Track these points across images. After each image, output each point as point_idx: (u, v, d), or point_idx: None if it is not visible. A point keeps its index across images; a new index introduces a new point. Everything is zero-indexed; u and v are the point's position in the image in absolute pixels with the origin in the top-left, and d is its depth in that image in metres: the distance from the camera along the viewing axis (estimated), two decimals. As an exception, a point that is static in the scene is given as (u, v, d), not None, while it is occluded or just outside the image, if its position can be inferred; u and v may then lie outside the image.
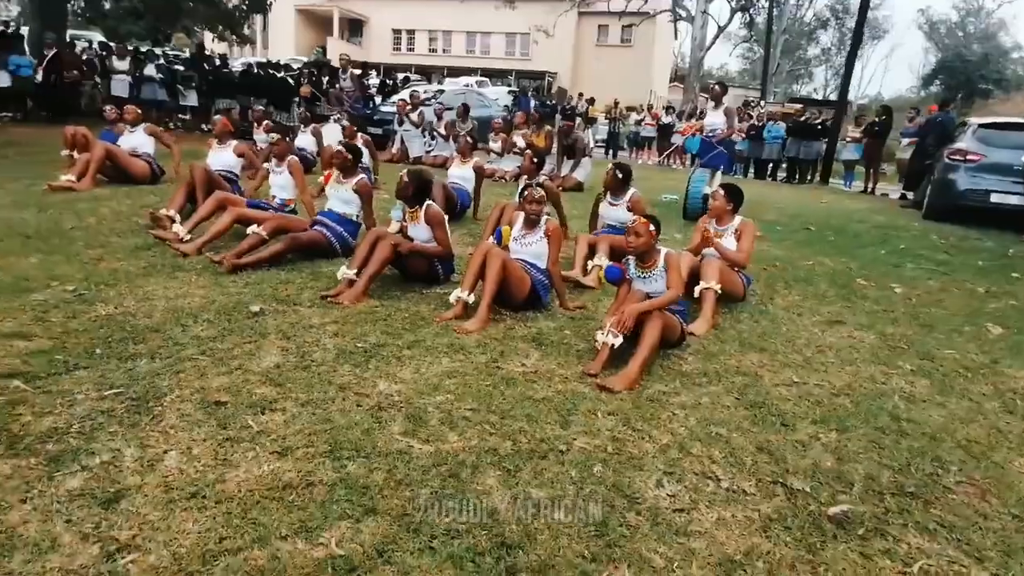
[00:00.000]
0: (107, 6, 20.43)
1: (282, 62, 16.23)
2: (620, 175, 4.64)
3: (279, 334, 3.10)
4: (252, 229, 4.26)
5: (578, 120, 16.23)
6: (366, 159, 7.05)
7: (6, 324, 2.94)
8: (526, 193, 3.84)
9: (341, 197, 4.48)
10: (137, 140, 6.38)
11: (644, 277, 3.41)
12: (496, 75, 35.61)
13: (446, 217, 4.08)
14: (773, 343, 3.61)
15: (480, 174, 6.33)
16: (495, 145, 9.11)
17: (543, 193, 3.84)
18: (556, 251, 3.82)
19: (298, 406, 2.47)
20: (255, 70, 13.75)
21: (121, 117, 6.62)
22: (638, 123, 16.28)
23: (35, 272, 3.64)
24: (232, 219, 4.35)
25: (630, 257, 3.45)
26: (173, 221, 4.60)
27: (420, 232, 4.05)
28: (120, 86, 11.55)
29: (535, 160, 5.50)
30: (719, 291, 3.93)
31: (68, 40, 13.17)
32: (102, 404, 2.35)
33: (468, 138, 6.43)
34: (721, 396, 2.92)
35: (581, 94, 18.36)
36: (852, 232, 7.04)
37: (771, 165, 13.62)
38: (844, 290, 4.71)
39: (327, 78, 12.77)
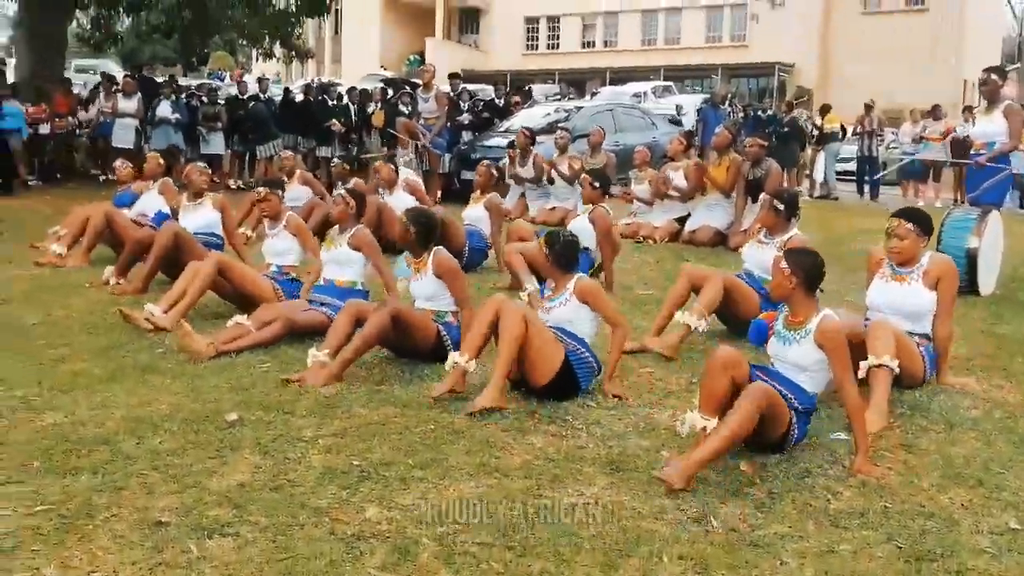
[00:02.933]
0: (123, 26, 24.49)
1: (336, 84, 18.48)
2: (780, 207, 5.57)
3: (256, 448, 3.94)
4: (237, 319, 5.31)
5: (808, 144, 16.77)
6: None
7: (-59, 434, 4.05)
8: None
9: (337, 259, 5.47)
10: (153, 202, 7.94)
11: (789, 336, 3.93)
12: (691, 75, 37.15)
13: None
14: (1002, 475, 3.85)
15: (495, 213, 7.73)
16: (640, 188, 9.89)
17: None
18: (606, 308, 4.71)
19: (256, 531, 3.22)
20: (303, 97, 15.92)
21: (139, 173, 8.33)
22: (919, 140, 16.43)
23: (-19, 376, 4.86)
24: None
25: (784, 307, 4.01)
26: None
27: (425, 287, 4.99)
28: (124, 133, 14.01)
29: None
30: (896, 370, 4.32)
31: (62, 76, 16.20)
32: (29, 521, 3.26)
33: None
34: (874, 544, 3.26)
35: (801, 98, 18.86)
36: None
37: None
38: None
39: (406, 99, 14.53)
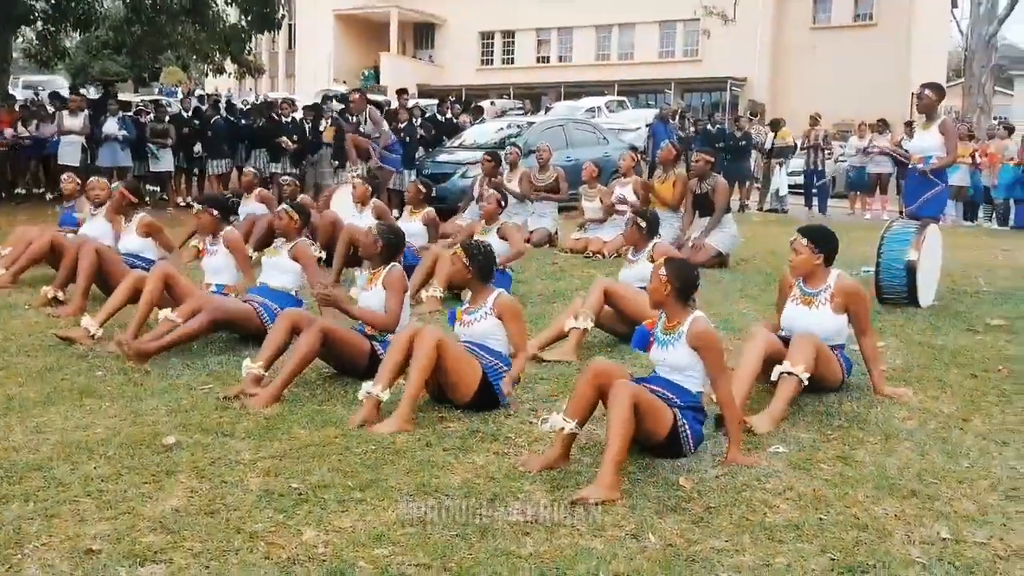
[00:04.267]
0: (72, 42, 24.23)
1: (289, 99, 18.40)
2: (643, 224, 6.21)
3: (192, 472, 3.90)
4: (165, 314, 5.32)
5: (754, 154, 17.01)
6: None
7: None
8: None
9: (275, 265, 5.59)
10: (100, 228, 7.81)
11: (665, 340, 4.18)
12: (644, 89, 37.51)
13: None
14: (935, 485, 3.92)
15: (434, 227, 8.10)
16: (589, 204, 9.97)
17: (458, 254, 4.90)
18: (515, 331, 4.83)
19: (189, 557, 3.18)
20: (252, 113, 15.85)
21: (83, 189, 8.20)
22: (864, 152, 16.71)
23: (-87, 402, 4.77)
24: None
25: (662, 313, 4.24)
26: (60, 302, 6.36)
27: (372, 299, 5.09)
28: (70, 151, 13.82)
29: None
30: (805, 382, 4.62)
31: (6, 93, 15.98)
32: (-45, 552, 3.21)
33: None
34: (809, 556, 3.30)
35: (755, 112, 19.15)
36: None
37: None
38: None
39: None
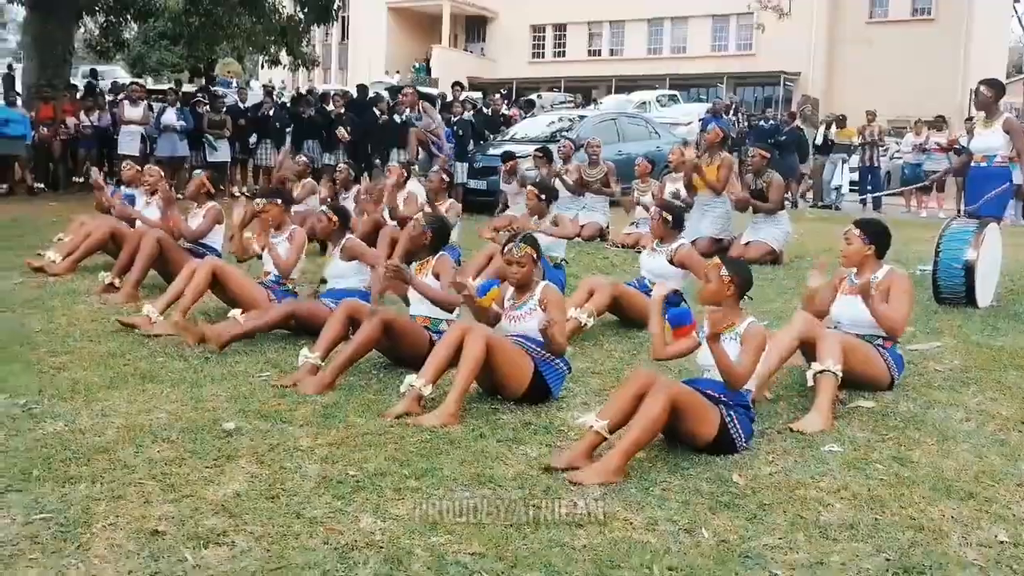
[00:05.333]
0: (129, 34, 24.65)
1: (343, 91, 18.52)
2: (668, 218, 6.34)
3: (252, 457, 3.99)
4: (233, 315, 5.42)
5: (811, 154, 16.81)
6: (456, 234, 8.27)
7: (-58, 442, 4.11)
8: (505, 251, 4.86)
9: (335, 273, 5.67)
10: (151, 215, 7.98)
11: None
12: (696, 84, 37.22)
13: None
14: (993, 488, 3.88)
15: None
16: (645, 199, 9.94)
17: (527, 252, 4.83)
18: (555, 319, 4.73)
19: (251, 540, 3.26)
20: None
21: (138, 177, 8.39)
22: (921, 148, 16.47)
23: (-16, 384, 4.92)
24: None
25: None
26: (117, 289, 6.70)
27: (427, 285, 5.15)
28: (129, 141, 14.08)
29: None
30: (838, 374, 4.59)
31: (68, 83, 16.31)
32: (28, 529, 3.31)
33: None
34: (863, 556, 3.29)
35: (805, 106, 18.91)
36: None
37: None
38: None
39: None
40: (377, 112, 14.09)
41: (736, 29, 39.02)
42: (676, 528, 3.47)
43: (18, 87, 16.13)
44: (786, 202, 10.39)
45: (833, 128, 17.31)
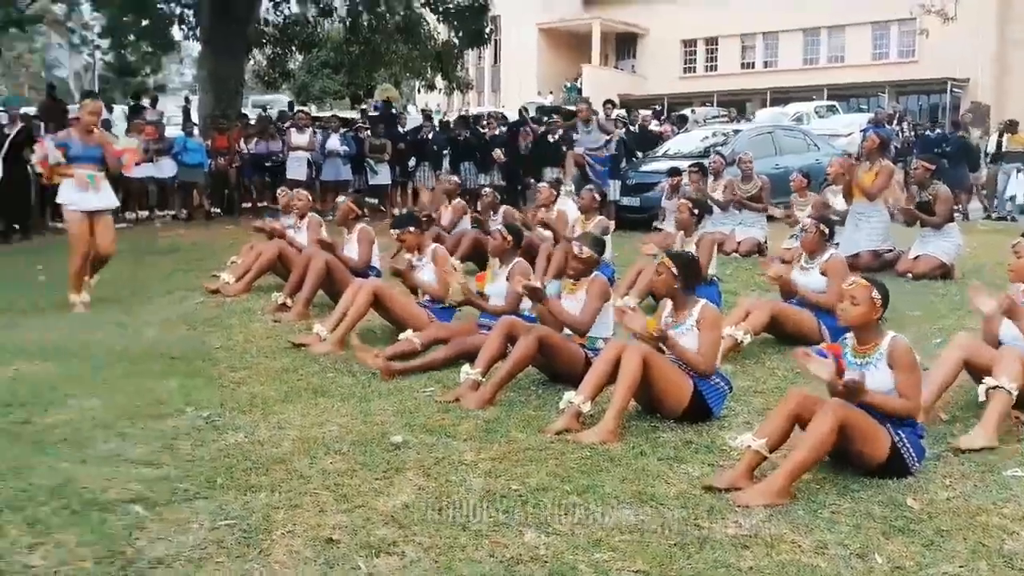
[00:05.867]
0: (294, 64, 25.88)
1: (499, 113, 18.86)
2: (824, 230, 6.25)
3: (419, 470, 4.11)
4: (407, 335, 5.57)
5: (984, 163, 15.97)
6: (608, 251, 8.28)
7: (137, 450, 4.40)
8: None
9: (498, 293, 5.69)
10: (301, 238, 8.36)
11: (862, 364, 4.00)
12: (856, 93, 36.04)
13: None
14: None
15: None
16: (801, 214, 9.68)
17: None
18: (708, 340, 4.71)
19: (420, 551, 3.36)
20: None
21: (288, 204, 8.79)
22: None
23: (172, 397, 5.25)
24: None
25: (847, 336, 4.09)
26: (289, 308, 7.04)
27: (575, 306, 5.21)
28: (297, 167, 14.76)
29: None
30: (1013, 392, 4.36)
31: (240, 112, 17.23)
32: (214, 534, 3.51)
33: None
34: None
35: (975, 113, 17.97)
36: None
37: None
38: None
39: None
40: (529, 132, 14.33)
41: (898, 35, 37.59)
42: (847, 552, 3.37)
43: (194, 118, 17.14)
44: (956, 214, 9.94)
45: (1006, 135, 16.41)
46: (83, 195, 7.54)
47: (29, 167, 11.27)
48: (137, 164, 8.07)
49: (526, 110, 17.60)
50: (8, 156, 11.67)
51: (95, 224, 7.64)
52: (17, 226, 12.31)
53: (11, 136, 11.55)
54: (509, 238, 5.94)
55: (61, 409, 5.03)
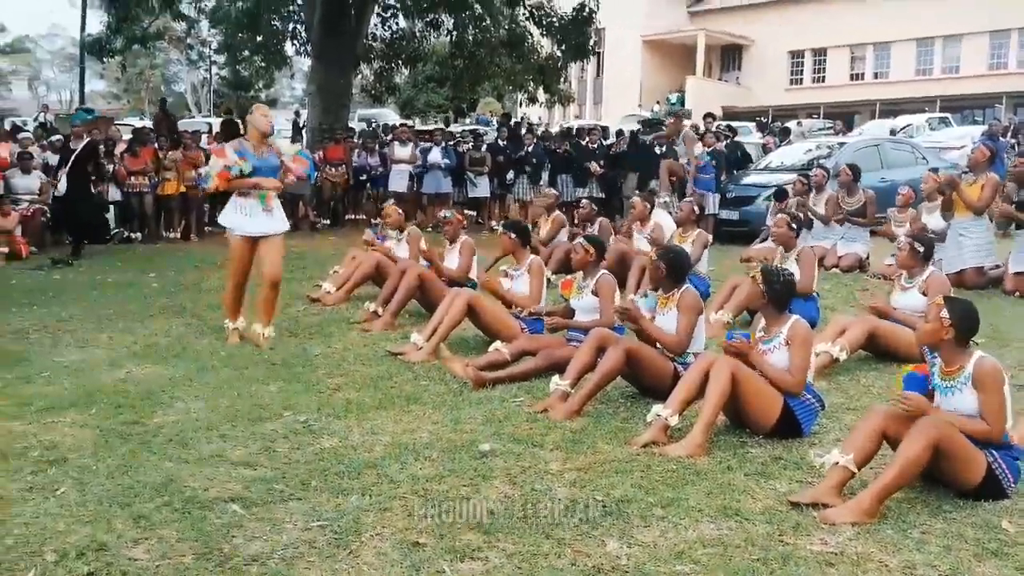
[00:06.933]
0: (400, 78, 26.40)
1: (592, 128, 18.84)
2: (919, 248, 6.19)
3: (506, 478, 4.18)
4: (496, 346, 5.66)
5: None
6: (705, 265, 8.26)
7: (237, 452, 4.59)
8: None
9: (585, 307, 5.71)
10: (400, 250, 8.54)
11: (947, 387, 3.95)
12: (971, 105, 34.88)
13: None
14: None
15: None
16: (899, 230, 9.44)
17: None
18: (796, 359, 4.66)
19: (503, 557, 3.43)
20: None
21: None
22: None
23: (272, 401, 5.45)
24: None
25: (936, 357, 4.00)
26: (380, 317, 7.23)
27: (665, 321, 5.22)
28: (399, 179, 15.06)
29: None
30: None
31: (347, 126, 17.66)
32: (306, 535, 3.65)
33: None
34: None
35: None
36: None
37: None
38: None
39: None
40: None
41: (1017, 45, 36.26)
42: (937, 574, 3.32)
43: (301, 130, 17.63)
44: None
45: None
46: (250, 219, 6.78)
47: (91, 184, 11.83)
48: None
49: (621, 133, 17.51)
50: (73, 171, 11.70)
51: (260, 247, 6.83)
52: (86, 241, 12.08)
53: (76, 151, 11.83)
54: (592, 251, 5.94)
55: (168, 411, 5.28)
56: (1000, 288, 8.59)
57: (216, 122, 21.36)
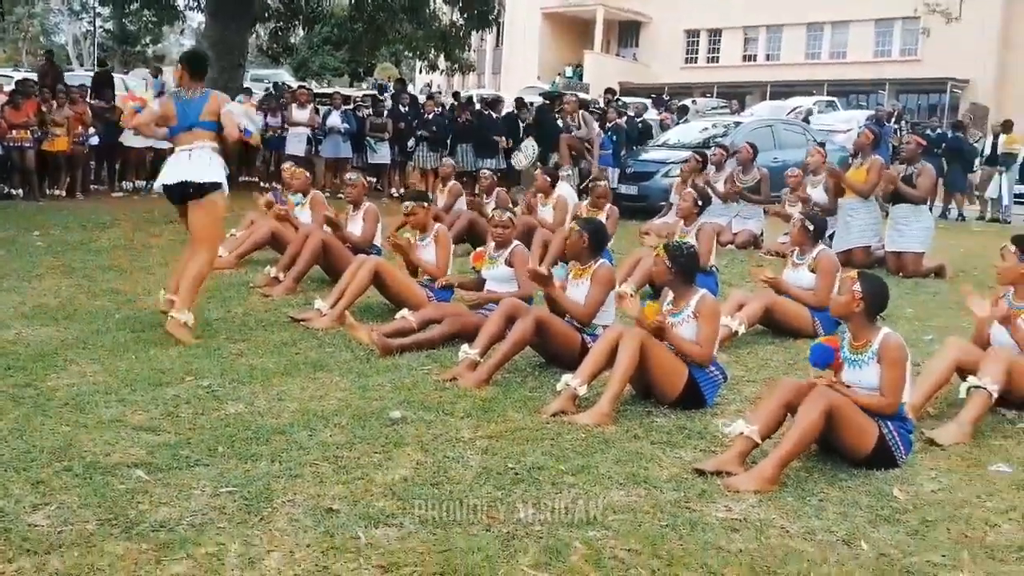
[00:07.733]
0: (296, 39, 25.80)
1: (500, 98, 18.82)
2: (809, 227, 6.37)
3: (417, 445, 4.18)
4: (403, 314, 5.64)
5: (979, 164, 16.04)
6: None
7: (138, 417, 4.46)
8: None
9: (498, 276, 5.75)
10: (303, 216, 8.38)
11: (855, 360, 4.14)
12: (856, 90, 36.14)
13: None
14: None
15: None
16: (792, 209, 9.75)
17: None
18: (705, 330, 4.79)
19: (417, 523, 3.43)
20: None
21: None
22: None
23: (173, 365, 5.30)
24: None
25: (847, 332, 4.18)
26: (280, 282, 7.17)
27: (580, 293, 5.27)
28: (296, 142, 14.76)
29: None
30: (993, 393, 4.48)
31: (242, 86, 17.17)
32: (215, 501, 3.57)
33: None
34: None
35: (968, 117, 18.02)
36: None
37: None
38: None
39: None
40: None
41: (900, 34, 37.67)
42: (834, 539, 3.46)
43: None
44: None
45: (1001, 136, 16.49)
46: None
47: None
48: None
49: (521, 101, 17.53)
50: None
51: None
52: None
53: None
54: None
55: (62, 374, 5.09)
56: (885, 268, 8.96)
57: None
